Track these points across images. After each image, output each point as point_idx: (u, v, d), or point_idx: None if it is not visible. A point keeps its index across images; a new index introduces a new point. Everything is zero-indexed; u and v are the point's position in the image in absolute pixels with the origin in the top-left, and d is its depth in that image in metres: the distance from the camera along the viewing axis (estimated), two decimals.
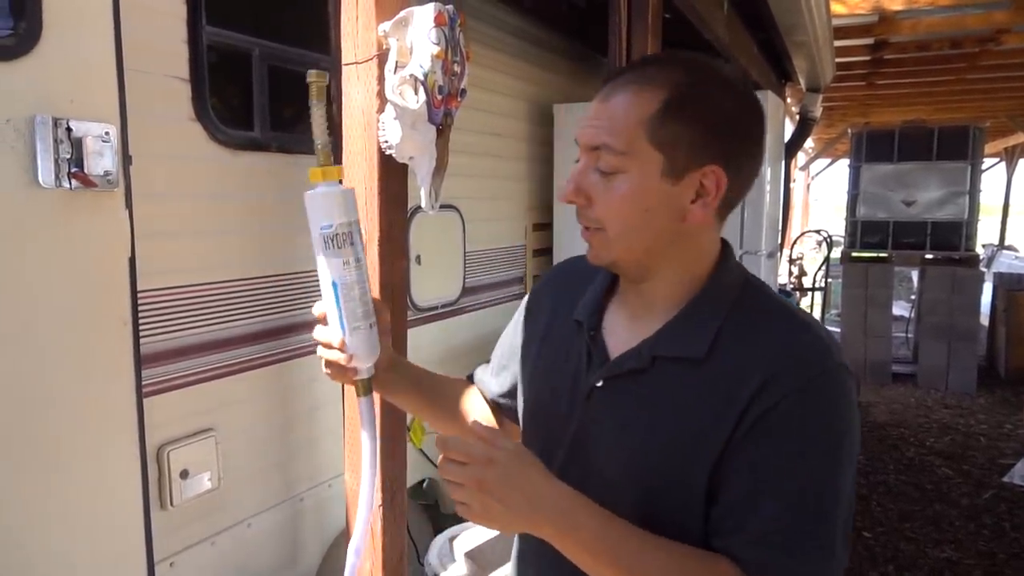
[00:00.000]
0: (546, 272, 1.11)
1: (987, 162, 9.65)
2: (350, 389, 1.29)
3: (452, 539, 2.03)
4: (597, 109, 0.83)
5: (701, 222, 0.82)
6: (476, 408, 1.14)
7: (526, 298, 1.09)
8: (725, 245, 0.90)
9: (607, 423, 0.86)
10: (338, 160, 1.39)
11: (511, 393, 1.09)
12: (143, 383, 1.26)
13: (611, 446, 0.85)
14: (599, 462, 0.86)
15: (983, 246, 9.91)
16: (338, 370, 0.98)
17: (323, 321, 0.97)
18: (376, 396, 1.06)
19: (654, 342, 0.84)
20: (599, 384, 0.87)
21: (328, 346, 0.96)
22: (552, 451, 0.90)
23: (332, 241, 0.93)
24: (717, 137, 0.80)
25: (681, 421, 0.80)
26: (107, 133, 1.13)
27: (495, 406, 1.13)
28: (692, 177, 0.80)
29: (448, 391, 1.15)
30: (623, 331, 0.89)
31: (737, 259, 0.91)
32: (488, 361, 1.16)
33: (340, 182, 0.97)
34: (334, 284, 0.94)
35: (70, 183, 1.08)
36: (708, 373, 0.80)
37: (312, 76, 0.96)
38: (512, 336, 1.09)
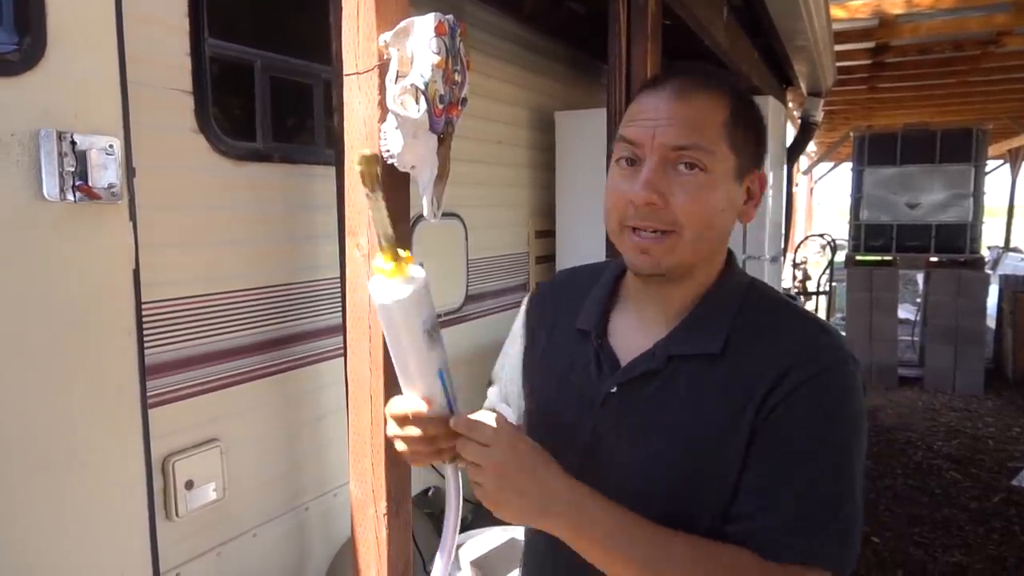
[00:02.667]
0: (541, 285, 1.09)
1: (991, 164, 9.63)
2: (355, 399, 1.30)
3: (458, 547, 2.03)
4: (672, 108, 0.80)
5: (744, 223, 0.86)
6: None
7: (521, 315, 1.08)
8: (729, 250, 0.92)
9: (624, 428, 0.85)
10: (340, 170, 1.40)
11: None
12: (148, 394, 1.26)
13: (630, 450, 0.84)
14: (617, 468, 0.85)
15: (988, 248, 9.87)
16: (442, 452, 0.86)
17: (421, 415, 0.84)
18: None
19: (668, 342, 0.85)
20: (613, 390, 0.86)
21: (436, 435, 0.84)
22: (569, 459, 0.85)
23: (431, 333, 0.83)
24: (762, 144, 0.85)
25: (702, 419, 0.80)
26: (111, 146, 1.14)
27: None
28: (748, 180, 0.85)
29: None
30: (632, 336, 0.89)
31: (740, 263, 0.92)
32: (491, 382, 1.14)
33: (413, 264, 0.84)
34: (440, 373, 0.85)
35: (74, 196, 1.09)
36: (725, 369, 0.81)
37: (361, 162, 0.81)
38: (513, 354, 1.07)
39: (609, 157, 0.88)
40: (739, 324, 0.83)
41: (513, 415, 1.07)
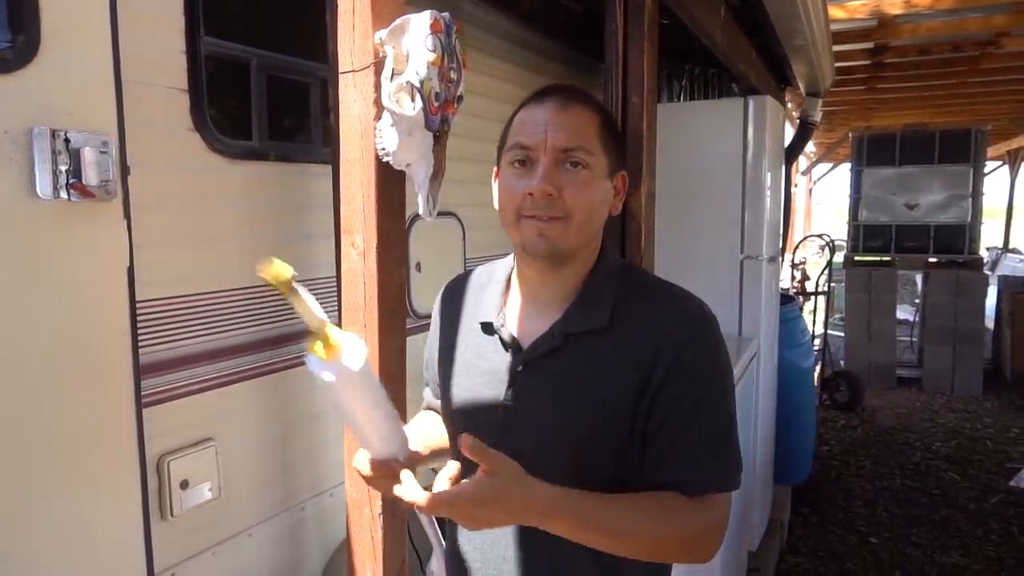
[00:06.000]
0: (447, 286, 1.23)
1: (989, 165, 9.63)
2: None
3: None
4: (559, 117, 0.96)
5: (614, 215, 1.02)
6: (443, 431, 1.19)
7: (435, 318, 1.21)
8: (603, 241, 1.07)
9: (533, 400, 0.98)
10: (336, 169, 1.39)
11: None
12: (142, 393, 1.26)
13: (541, 417, 0.98)
14: (531, 435, 0.98)
15: (987, 249, 9.88)
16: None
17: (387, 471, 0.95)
18: None
19: (563, 323, 0.99)
20: (519, 369, 1.00)
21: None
22: (484, 435, 0.97)
23: (380, 396, 0.92)
24: (624, 149, 1.03)
25: (600, 383, 0.95)
26: (105, 144, 1.13)
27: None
28: (615, 178, 1.01)
29: (433, 432, 1.18)
30: (529, 321, 1.03)
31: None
32: (427, 384, 1.25)
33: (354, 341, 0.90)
34: (395, 424, 0.96)
35: (68, 194, 1.09)
36: (613, 339, 0.96)
37: (267, 275, 0.80)
38: (430, 354, 1.20)
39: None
40: (620, 301, 0.99)
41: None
